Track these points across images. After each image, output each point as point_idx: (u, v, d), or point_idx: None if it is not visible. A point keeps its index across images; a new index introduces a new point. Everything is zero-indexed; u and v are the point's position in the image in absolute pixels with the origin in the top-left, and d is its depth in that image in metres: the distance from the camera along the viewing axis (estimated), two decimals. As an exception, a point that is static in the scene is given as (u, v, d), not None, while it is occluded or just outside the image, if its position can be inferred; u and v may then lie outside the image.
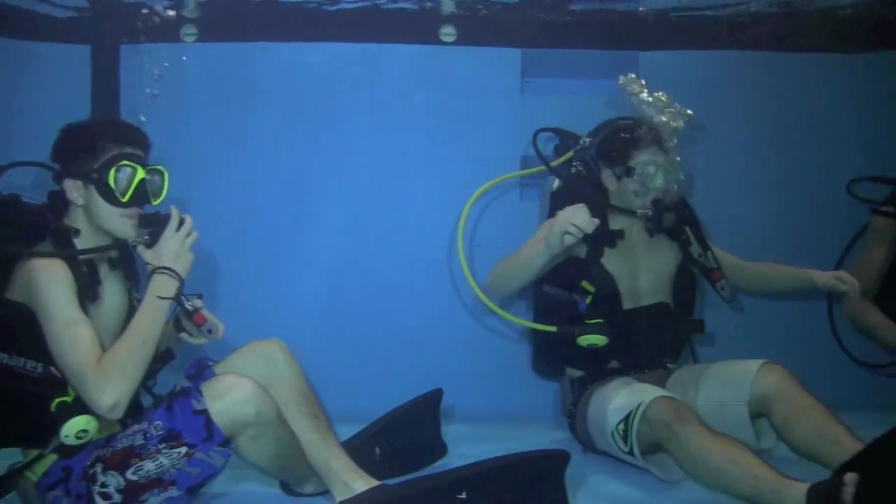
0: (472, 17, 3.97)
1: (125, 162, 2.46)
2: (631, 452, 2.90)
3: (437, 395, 3.18)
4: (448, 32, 3.99)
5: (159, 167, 2.56)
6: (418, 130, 4.02)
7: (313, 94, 3.98)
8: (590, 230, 2.84)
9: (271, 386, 2.59)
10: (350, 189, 3.99)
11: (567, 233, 2.83)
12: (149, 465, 2.38)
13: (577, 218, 2.83)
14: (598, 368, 3.26)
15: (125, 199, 2.47)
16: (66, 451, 2.41)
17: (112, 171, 2.44)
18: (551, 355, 3.44)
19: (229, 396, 2.40)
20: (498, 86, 4.02)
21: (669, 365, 3.41)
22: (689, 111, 3.22)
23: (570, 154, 3.48)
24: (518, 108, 4.00)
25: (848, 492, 2.27)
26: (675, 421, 2.72)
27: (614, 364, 3.28)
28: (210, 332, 2.61)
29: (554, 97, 4.03)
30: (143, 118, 2.72)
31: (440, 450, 3.20)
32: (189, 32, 3.88)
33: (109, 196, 2.45)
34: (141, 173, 2.49)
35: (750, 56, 4.19)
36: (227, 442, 2.42)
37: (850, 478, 2.29)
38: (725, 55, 4.11)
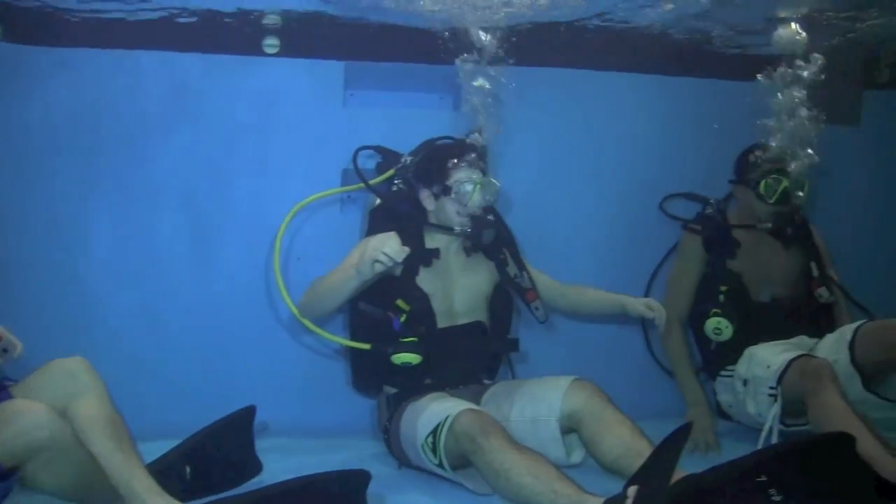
0: (296, 28, 4.01)
1: None
2: (441, 465, 3.02)
3: (249, 411, 3.22)
4: (271, 44, 4.01)
5: None
6: (238, 143, 4.00)
7: (132, 103, 3.91)
8: (399, 259, 3.01)
9: (72, 405, 2.58)
10: (165, 201, 3.94)
11: (377, 261, 2.97)
12: None
13: (387, 247, 2.99)
14: (413, 385, 3.37)
15: None
16: None
17: None
18: (367, 373, 3.54)
19: (14, 424, 2.39)
20: (320, 98, 4.05)
21: (486, 381, 3.57)
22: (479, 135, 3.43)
23: (391, 172, 3.61)
24: (340, 121, 4.05)
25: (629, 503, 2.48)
26: (480, 434, 2.86)
27: (429, 381, 3.39)
28: (6, 350, 2.60)
29: (377, 110, 4.11)
30: None
31: (254, 467, 3.24)
32: None
33: None
34: None
35: (563, 73, 4.35)
36: (8, 473, 2.40)
37: (631, 490, 2.49)
38: (541, 72, 4.25)
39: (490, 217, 3.43)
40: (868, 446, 2.89)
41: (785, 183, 3.81)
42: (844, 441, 2.67)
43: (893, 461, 2.94)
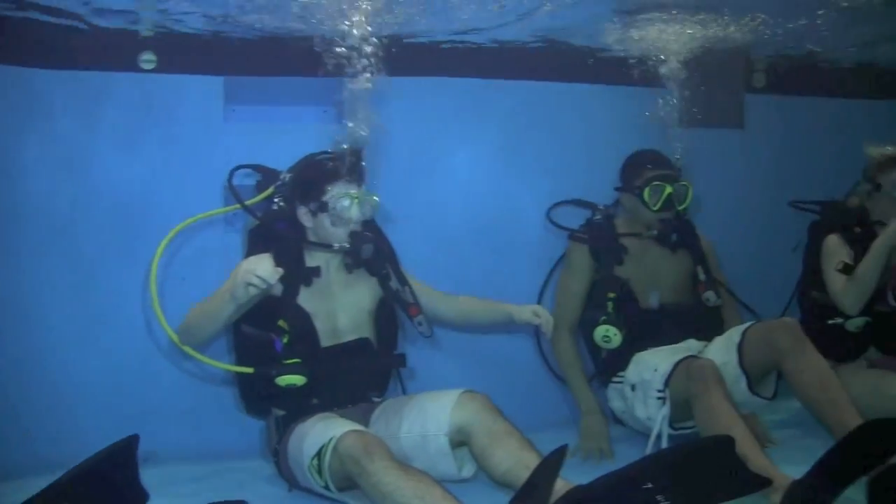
0: (173, 43, 3.97)
1: None
2: (328, 487, 3.04)
3: (132, 441, 3.17)
4: (148, 59, 3.97)
5: None
6: (114, 161, 3.93)
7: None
8: (272, 280, 2.98)
9: None
10: (37, 222, 3.85)
11: (250, 284, 2.95)
12: None
13: (259, 269, 2.96)
14: (301, 407, 3.36)
15: None
16: None
17: None
18: (255, 396, 3.51)
19: None
20: (199, 114, 4.02)
21: (375, 399, 3.57)
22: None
23: (271, 190, 3.56)
24: (221, 137, 4.02)
25: None
26: (364, 456, 2.86)
27: (316, 401, 3.38)
28: None
29: (259, 125, 4.09)
30: None
31: (140, 499, 3.20)
32: None
33: None
34: None
35: (445, 82, 4.40)
36: None
37: (516, 509, 2.54)
38: (422, 81, 4.30)
39: (369, 232, 3.43)
40: (745, 446, 3.00)
41: (668, 189, 3.89)
42: (725, 443, 2.75)
43: (764, 459, 3.10)
